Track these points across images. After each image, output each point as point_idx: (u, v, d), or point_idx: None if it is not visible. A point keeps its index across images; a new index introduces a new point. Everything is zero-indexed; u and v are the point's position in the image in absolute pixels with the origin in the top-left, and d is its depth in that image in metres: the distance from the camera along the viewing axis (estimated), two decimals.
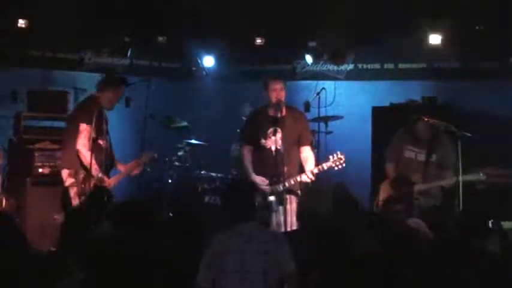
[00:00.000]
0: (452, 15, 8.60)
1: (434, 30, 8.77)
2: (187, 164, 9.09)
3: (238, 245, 4.75)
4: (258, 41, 9.47)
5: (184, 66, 10.24)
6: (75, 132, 6.89)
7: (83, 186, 6.81)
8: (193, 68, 10.14)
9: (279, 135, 6.92)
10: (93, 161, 6.79)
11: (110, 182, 7.01)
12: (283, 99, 6.94)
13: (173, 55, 10.02)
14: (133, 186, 8.07)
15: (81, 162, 6.86)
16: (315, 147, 8.05)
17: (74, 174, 6.91)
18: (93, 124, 6.78)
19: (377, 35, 9.15)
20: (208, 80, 10.10)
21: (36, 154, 7.98)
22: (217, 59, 9.95)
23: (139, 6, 8.94)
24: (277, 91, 6.90)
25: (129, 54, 9.44)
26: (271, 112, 7.02)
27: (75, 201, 6.87)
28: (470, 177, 7.03)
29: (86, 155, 6.80)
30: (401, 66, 9.61)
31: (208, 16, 9.09)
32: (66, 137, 7.16)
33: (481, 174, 7.11)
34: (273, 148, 6.92)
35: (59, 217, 7.60)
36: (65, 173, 6.99)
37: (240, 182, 5.79)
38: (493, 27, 8.66)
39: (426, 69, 9.46)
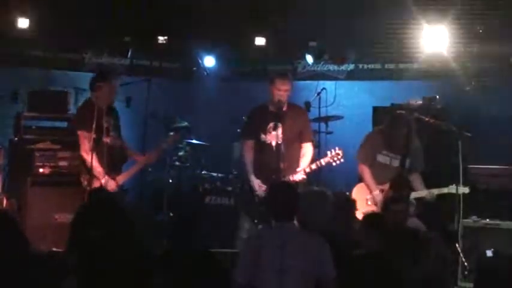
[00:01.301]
0: (453, 15, 8.60)
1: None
2: (188, 164, 9.08)
3: (278, 243, 4.75)
4: (258, 41, 9.46)
5: (184, 67, 10.23)
6: (77, 140, 7.00)
7: (89, 188, 6.83)
8: (194, 68, 10.14)
9: (279, 130, 6.85)
10: (97, 164, 6.81)
11: (120, 178, 7.04)
12: (285, 100, 6.91)
13: (174, 55, 10.01)
14: (134, 186, 8.05)
15: (86, 166, 6.89)
16: (316, 147, 8.04)
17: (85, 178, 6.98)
18: (93, 127, 6.76)
19: (378, 35, 9.15)
20: (208, 80, 10.10)
21: (37, 154, 7.96)
22: (218, 59, 9.95)
23: (139, 6, 8.94)
24: (282, 92, 6.85)
25: (129, 54, 9.44)
26: (271, 108, 6.98)
27: None
28: (445, 190, 6.88)
29: (87, 159, 6.84)
30: (402, 66, 9.59)
31: (209, 16, 9.09)
32: (76, 143, 7.19)
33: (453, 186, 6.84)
34: (274, 143, 6.88)
35: (59, 217, 7.64)
36: (82, 177, 7.06)
37: (286, 182, 5.76)
38: (494, 27, 8.65)
39: (427, 69, 9.44)
